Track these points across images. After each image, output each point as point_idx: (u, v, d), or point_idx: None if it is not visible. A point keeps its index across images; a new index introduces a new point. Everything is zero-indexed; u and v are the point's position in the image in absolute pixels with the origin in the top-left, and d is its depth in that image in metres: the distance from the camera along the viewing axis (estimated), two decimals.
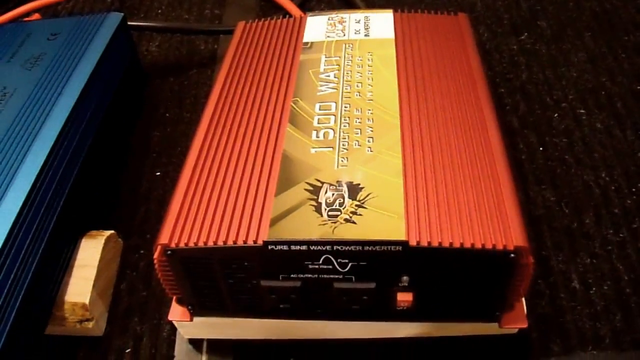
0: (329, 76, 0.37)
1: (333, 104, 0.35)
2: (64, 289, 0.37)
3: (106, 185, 0.45)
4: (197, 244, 0.29)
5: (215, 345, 0.37)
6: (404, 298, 0.30)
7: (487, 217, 0.29)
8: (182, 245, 0.29)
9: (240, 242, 0.28)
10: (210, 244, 0.29)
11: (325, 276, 0.29)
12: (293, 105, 0.35)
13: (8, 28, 0.47)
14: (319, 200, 0.30)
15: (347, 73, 0.37)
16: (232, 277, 0.30)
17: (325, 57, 0.39)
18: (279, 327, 0.34)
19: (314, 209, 0.29)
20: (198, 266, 0.30)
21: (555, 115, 0.47)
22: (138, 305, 0.39)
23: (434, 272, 0.29)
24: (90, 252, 0.38)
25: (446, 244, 0.28)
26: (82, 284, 0.37)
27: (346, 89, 0.36)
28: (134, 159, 0.47)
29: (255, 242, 0.28)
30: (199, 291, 0.32)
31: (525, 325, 0.32)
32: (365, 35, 0.40)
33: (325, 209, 0.29)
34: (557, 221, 0.40)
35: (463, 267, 0.29)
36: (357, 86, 0.36)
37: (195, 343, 0.38)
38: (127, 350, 0.38)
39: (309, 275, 0.29)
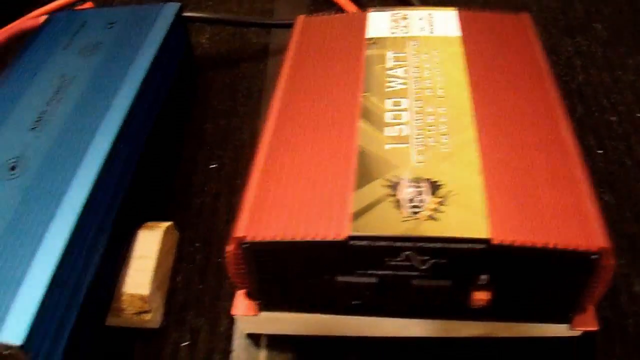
0: (397, 72, 0.37)
1: (404, 100, 0.35)
2: (122, 281, 0.36)
3: (161, 177, 0.44)
4: (275, 238, 0.29)
5: (274, 340, 0.37)
6: (481, 297, 0.29)
7: (569, 217, 0.28)
8: (259, 239, 0.29)
9: (321, 237, 0.28)
10: (290, 238, 0.28)
11: (403, 273, 0.29)
12: (363, 100, 0.35)
13: (62, 16, 0.47)
14: (399, 197, 0.29)
15: (415, 69, 0.37)
16: (306, 272, 0.30)
17: (392, 53, 0.38)
18: (344, 324, 0.34)
19: (394, 205, 0.29)
20: (273, 260, 0.30)
21: (613, 118, 0.46)
22: (194, 298, 0.39)
23: (513, 271, 0.29)
24: (149, 243, 0.38)
25: (529, 243, 0.27)
26: (140, 275, 0.37)
27: (416, 85, 0.36)
28: (188, 152, 0.46)
29: (337, 237, 0.28)
30: (270, 285, 0.31)
31: (596, 328, 0.32)
32: (430, 32, 0.40)
33: (406, 206, 0.29)
34: (617, 224, 0.40)
35: (544, 267, 0.28)
36: (427, 83, 0.36)
37: (254, 338, 0.38)
38: (184, 344, 0.37)
39: (387, 272, 0.29)
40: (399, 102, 0.35)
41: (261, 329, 0.36)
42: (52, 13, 0.49)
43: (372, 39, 0.40)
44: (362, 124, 0.33)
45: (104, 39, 0.44)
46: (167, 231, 0.39)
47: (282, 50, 0.42)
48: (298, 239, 0.28)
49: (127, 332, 0.38)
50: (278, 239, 0.29)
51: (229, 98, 0.50)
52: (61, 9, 0.51)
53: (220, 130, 0.47)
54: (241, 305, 0.34)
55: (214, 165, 0.45)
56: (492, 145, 0.32)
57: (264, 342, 0.37)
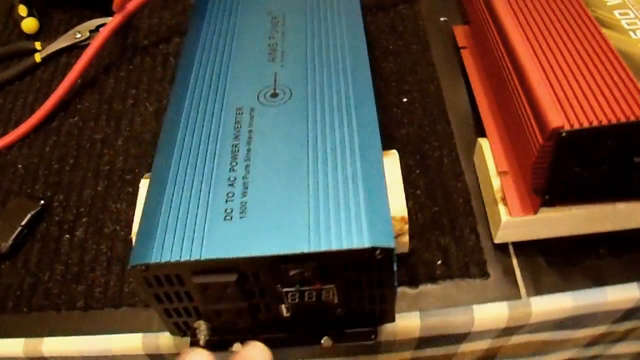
0: None
1: (629, 12, 0.38)
2: None
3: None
4: (590, 124, 0.31)
5: (522, 247, 0.39)
6: None
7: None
8: (576, 127, 0.31)
9: (631, 118, 0.30)
10: (604, 122, 0.31)
11: None
12: (593, 14, 0.38)
13: None
14: None
15: None
16: (606, 157, 0.32)
17: None
18: (613, 217, 0.36)
19: None
20: (582, 148, 0.32)
21: None
22: (432, 221, 0.40)
23: None
24: (391, 169, 0.39)
25: None
26: (395, 198, 0.38)
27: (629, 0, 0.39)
28: (376, 89, 0.47)
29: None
30: (567, 177, 0.33)
31: None
32: None
33: None
34: None
35: None
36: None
37: (501, 248, 0.39)
38: (438, 262, 0.39)
39: None
40: (626, 12, 0.38)
41: (517, 236, 0.38)
42: None
43: None
44: (607, 31, 0.36)
45: None
46: (397, 157, 0.40)
47: None
48: (611, 122, 0.31)
49: None
50: (594, 124, 0.31)
51: (398, 37, 0.51)
52: None
53: (399, 68, 0.49)
54: (517, 207, 0.36)
55: (405, 100, 0.47)
56: None
57: (511, 250, 0.39)
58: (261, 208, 0.29)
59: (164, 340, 0.37)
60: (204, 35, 0.41)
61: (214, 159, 0.32)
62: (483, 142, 0.40)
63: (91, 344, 0.38)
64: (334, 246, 0.27)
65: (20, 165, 0.47)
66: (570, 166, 0.33)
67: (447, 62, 0.49)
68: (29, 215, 0.44)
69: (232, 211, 0.29)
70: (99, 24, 0.55)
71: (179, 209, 0.30)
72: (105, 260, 0.41)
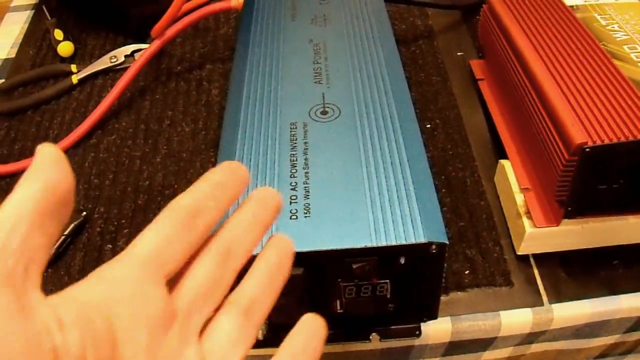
0: (614, 27, 0.45)
1: (637, 46, 0.43)
2: None
3: None
4: (612, 140, 0.35)
5: (542, 259, 0.42)
6: None
7: None
8: (599, 142, 0.35)
9: None
10: (621, 139, 0.35)
11: None
12: (605, 48, 0.42)
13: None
14: None
15: (626, 25, 0.45)
16: (626, 171, 0.36)
17: (599, 16, 0.46)
18: (626, 230, 0.40)
19: None
20: (604, 163, 0.36)
21: None
22: (459, 235, 0.44)
23: None
24: None
25: None
26: None
27: (636, 36, 0.44)
28: None
29: None
30: (588, 189, 0.37)
31: None
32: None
33: None
34: None
35: None
36: None
37: (523, 260, 0.43)
38: (466, 272, 0.42)
39: None
40: (635, 47, 0.42)
41: (539, 247, 0.42)
42: None
43: (573, 6, 0.48)
44: (618, 63, 0.41)
45: (325, 11, 0.49)
46: None
47: (443, 30, 0.47)
48: (629, 139, 0.35)
49: None
50: (614, 141, 0.35)
51: (419, 70, 0.55)
52: None
53: (422, 97, 0.53)
54: (540, 219, 0.39)
55: (429, 125, 0.50)
56: None
57: (532, 261, 0.43)
58: (324, 208, 0.32)
59: None
60: (250, 60, 0.44)
61: (275, 167, 0.35)
62: (505, 163, 0.44)
63: None
64: (395, 241, 0.30)
65: None
66: (592, 180, 0.37)
67: (466, 92, 0.53)
68: (72, 225, 0.46)
69: (296, 212, 0.32)
70: (134, 49, 0.58)
71: None
72: None
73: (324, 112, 0.39)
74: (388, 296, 0.33)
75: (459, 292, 0.41)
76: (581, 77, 0.40)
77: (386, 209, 0.32)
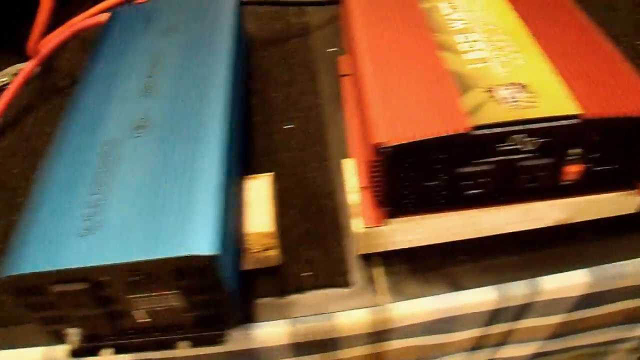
0: (453, 16, 0.44)
1: (471, 35, 0.42)
2: (245, 223, 0.41)
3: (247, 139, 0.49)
4: (412, 139, 0.34)
5: (385, 259, 0.42)
6: (574, 169, 0.36)
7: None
8: (397, 142, 0.34)
9: (452, 131, 0.34)
10: (425, 136, 0.34)
11: (514, 157, 0.35)
12: (435, 39, 0.42)
13: (126, 10, 0.51)
14: (497, 98, 0.36)
15: (468, 13, 0.44)
16: (436, 168, 0.36)
17: (443, 4, 0.45)
18: (455, 226, 0.39)
19: (497, 103, 0.35)
20: (409, 161, 0.35)
21: None
22: (304, 236, 0.43)
23: (603, 142, 0.35)
24: (260, 190, 0.42)
25: (616, 114, 0.34)
26: (260, 216, 0.41)
27: (475, 23, 0.43)
28: (262, 117, 0.51)
29: (464, 129, 0.34)
30: (400, 189, 0.37)
31: None
32: None
33: (507, 102, 0.35)
34: None
35: (623, 135, 0.35)
36: (484, 20, 0.43)
37: (366, 259, 0.42)
38: (306, 274, 0.42)
39: (501, 158, 0.35)
40: (468, 36, 0.42)
41: (376, 246, 0.41)
42: (113, 9, 0.52)
43: None
44: (443, 54, 0.40)
45: (177, 22, 0.48)
46: (270, 180, 0.43)
47: (320, 26, 0.47)
48: (430, 136, 0.34)
49: (248, 272, 0.42)
50: (415, 139, 0.34)
51: (286, 70, 0.55)
52: (119, 4, 0.55)
53: (287, 97, 0.52)
54: (368, 219, 0.39)
55: (289, 126, 0.50)
56: (554, 54, 0.39)
57: (376, 261, 0.42)
58: (112, 225, 0.33)
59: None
60: (88, 79, 0.44)
61: (76, 188, 0.35)
62: (345, 162, 0.44)
63: None
64: (154, 255, 0.30)
65: None
66: (402, 179, 0.36)
67: (331, 89, 0.53)
68: None
69: (88, 229, 0.32)
70: (21, 68, 0.59)
71: (44, 225, 0.33)
72: None
73: (140, 127, 0.39)
74: (183, 306, 0.33)
75: (299, 295, 0.41)
76: (401, 71, 0.39)
77: (166, 221, 0.32)
